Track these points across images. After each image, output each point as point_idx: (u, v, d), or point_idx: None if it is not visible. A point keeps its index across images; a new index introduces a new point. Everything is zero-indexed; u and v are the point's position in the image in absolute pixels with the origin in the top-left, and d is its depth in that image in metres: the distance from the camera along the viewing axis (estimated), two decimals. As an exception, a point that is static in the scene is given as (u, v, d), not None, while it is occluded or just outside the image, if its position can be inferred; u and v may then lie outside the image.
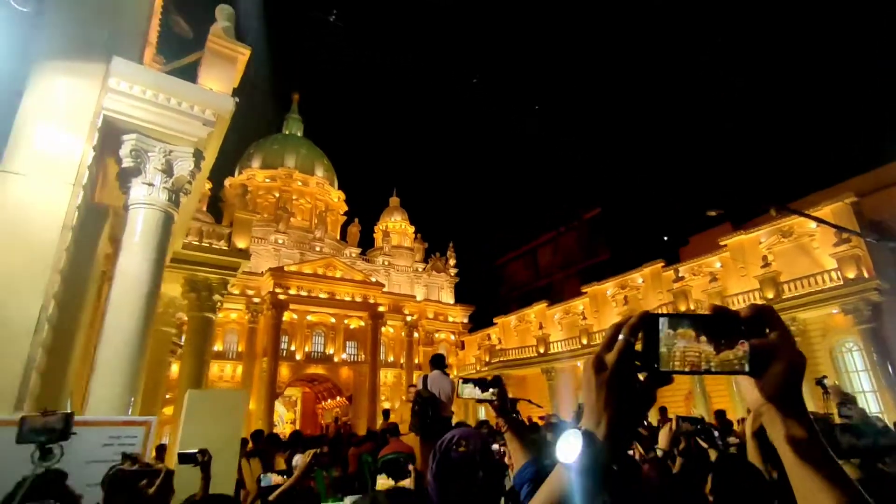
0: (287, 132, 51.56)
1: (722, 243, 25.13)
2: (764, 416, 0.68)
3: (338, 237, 45.90)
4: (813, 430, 0.65)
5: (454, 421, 9.32)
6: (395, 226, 46.84)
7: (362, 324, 37.58)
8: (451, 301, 44.74)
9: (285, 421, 37.18)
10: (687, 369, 0.66)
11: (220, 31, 8.25)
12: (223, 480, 5.68)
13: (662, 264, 28.27)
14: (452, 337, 43.20)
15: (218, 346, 34.01)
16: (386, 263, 43.08)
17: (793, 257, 22.69)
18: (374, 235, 47.35)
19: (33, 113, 6.36)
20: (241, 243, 13.77)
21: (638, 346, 0.68)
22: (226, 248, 13.44)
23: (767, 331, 0.66)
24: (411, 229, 47.61)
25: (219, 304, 13.56)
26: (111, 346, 6.48)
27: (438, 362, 7.23)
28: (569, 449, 0.67)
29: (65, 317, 6.41)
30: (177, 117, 7.36)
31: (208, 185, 40.82)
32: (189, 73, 8.73)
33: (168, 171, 7.45)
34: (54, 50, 6.70)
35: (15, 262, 5.81)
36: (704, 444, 3.16)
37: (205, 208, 40.12)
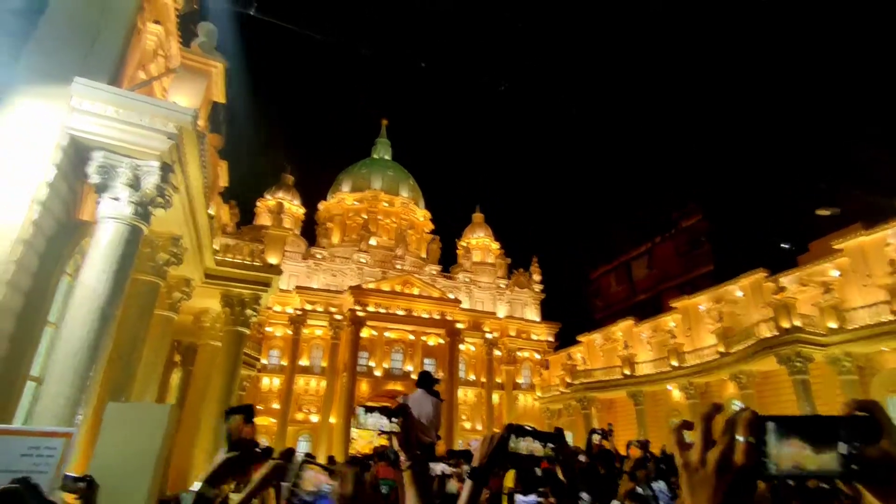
0: (376, 156, 53.71)
1: (836, 247, 21.07)
2: None
3: (423, 255, 46.36)
4: None
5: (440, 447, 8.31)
6: (479, 242, 46.26)
7: (440, 341, 37.25)
8: (536, 318, 42.87)
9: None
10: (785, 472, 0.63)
11: (196, 47, 8.38)
12: (134, 500, 5.41)
13: (765, 274, 24.35)
14: (537, 356, 41.23)
15: (304, 361, 35.70)
16: (467, 280, 42.56)
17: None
18: (457, 252, 47.13)
19: (1, 137, 6.80)
20: (272, 259, 14.05)
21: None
22: (259, 264, 13.77)
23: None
24: (496, 245, 46.66)
25: (252, 318, 13.91)
26: (59, 357, 6.61)
27: (424, 380, 6.48)
28: None
29: (21, 327, 6.65)
30: (140, 132, 7.51)
31: (302, 210, 43.92)
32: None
33: (135, 185, 7.60)
34: (26, 75, 7.15)
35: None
36: None
37: (299, 231, 43.16)
